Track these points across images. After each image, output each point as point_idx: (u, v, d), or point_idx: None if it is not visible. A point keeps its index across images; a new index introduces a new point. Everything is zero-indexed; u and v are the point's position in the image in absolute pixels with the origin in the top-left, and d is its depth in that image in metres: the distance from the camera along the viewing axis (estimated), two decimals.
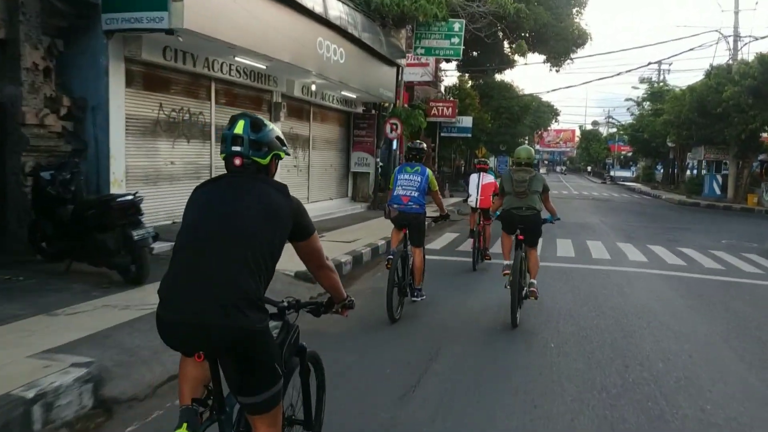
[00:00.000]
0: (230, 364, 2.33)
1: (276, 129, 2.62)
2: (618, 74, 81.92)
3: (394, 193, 6.68)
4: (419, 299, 6.87)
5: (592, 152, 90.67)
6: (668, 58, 65.67)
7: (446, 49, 19.30)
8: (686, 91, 30.23)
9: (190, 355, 2.45)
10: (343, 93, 15.93)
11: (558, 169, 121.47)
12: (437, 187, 6.96)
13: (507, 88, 37.43)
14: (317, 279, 2.84)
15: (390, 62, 17.32)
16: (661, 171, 53.07)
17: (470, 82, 34.34)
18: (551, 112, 59.20)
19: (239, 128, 2.49)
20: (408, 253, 6.75)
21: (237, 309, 2.23)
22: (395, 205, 6.61)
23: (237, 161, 2.49)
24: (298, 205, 2.57)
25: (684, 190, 36.81)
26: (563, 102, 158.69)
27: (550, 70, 40.05)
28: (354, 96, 16.36)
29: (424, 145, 7.45)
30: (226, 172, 2.55)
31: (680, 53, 35.24)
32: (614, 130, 63.96)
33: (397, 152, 25.97)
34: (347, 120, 18.08)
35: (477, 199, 10.05)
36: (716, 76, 27.32)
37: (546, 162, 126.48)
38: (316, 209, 15.09)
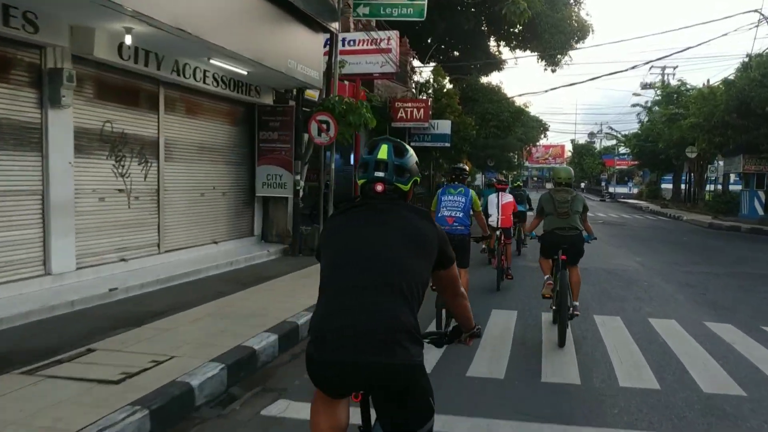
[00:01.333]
0: (388, 402, 2.25)
1: (414, 154, 2.53)
2: (632, 68, 75.81)
3: (439, 215, 6.63)
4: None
5: (585, 167, 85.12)
6: (683, 50, 59.61)
7: (402, 6, 13.00)
8: (720, 87, 24.14)
9: (345, 395, 2.27)
10: (229, 68, 9.49)
11: (548, 185, 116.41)
12: (480, 207, 6.95)
13: (494, 91, 31.39)
14: (451, 307, 2.73)
15: (314, 24, 10.98)
16: (671, 186, 47.23)
17: (449, 80, 28.05)
18: (540, 127, 54.92)
19: (383, 153, 2.42)
20: None
21: (399, 345, 2.13)
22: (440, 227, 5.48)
23: (379, 187, 2.39)
24: (442, 232, 2.48)
25: (706, 208, 30.85)
26: (552, 117, 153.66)
27: (545, 69, 34.24)
28: (245, 72, 9.88)
29: (467, 166, 8.19)
30: (361, 198, 2.44)
31: (698, 44, 29.35)
32: (612, 142, 57.86)
33: (353, 168, 19.63)
34: (247, 116, 11.60)
35: (498, 219, 10.15)
36: (760, 65, 21.26)
37: (535, 179, 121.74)
38: (174, 264, 8.71)
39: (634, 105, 41.08)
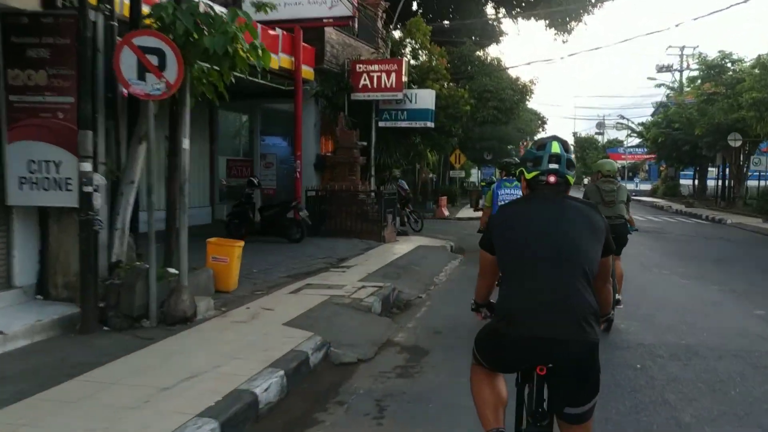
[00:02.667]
0: (569, 377, 2.44)
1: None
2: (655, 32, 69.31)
3: (497, 208, 6.22)
4: None
5: (588, 162, 79.20)
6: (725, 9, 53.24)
7: None
8: None
9: (528, 366, 2.54)
10: None
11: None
12: None
13: (493, 65, 25.35)
14: (598, 293, 2.64)
15: None
16: (690, 182, 41.33)
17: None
18: (538, 120, 50.37)
19: (556, 148, 2.63)
20: None
21: (588, 324, 2.39)
22: None
23: (552, 178, 2.61)
24: (607, 222, 2.67)
25: (748, 209, 25.04)
26: (550, 110, 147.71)
27: (555, 38, 28.37)
28: None
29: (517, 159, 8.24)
30: (531, 190, 2.69)
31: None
32: (623, 133, 51.81)
33: (298, 161, 13.62)
34: None
35: None
36: None
37: None
38: None
39: (658, 85, 34.96)
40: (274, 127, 16.77)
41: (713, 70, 25.24)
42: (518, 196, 5.95)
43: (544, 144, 2.68)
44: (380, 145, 14.82)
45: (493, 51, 27.04)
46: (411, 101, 14.52)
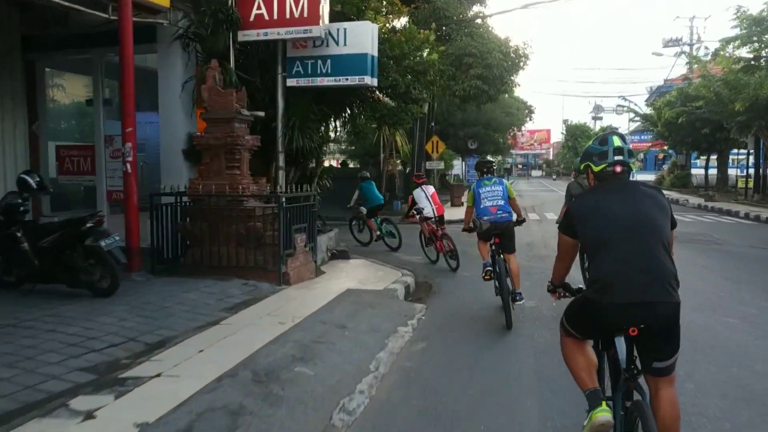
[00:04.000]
0: (656, 336, 2.86)
1: None
2: None
3: (481, 207, 6.91)
4: (521, 302, 6.82)
5: (580, 152, 73.63)
6: None
7: None
8: None
9: (624, 328, 2.88)
10: None
11: (535, 173, 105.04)
12: (515, 194, 7.17)
13: (475, 24, 19.60)
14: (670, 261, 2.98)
15: None
16: (701, 172, 35.95)
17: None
18: (525, 109, 45.72)
19: (617, 141, 3.08)
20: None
21: (672, 288, 2.81)
22: (485, 218, 6.81)
23: (619, 168, 3.05)
24: (669, 201, 3.13)
25: None
26: (538, 99, 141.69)
27: None
28: None
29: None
30: (600, 181, 3.12)
31: None
32: (623, 117, 46.19)
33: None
34: None
35: (433, 209, 10.55)
36: None
37: (520, 166, 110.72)
38: None
39: (678, 54, 29.30)
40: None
41: (759, 26, 19.54)
42: (500, 191, 6.95)
43: (606, 139, 3.12)
44: (292, 117, 8.98)
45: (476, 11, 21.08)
46: (337, 42, 8.65)
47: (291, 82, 8.96)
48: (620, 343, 3.00)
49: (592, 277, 2.95)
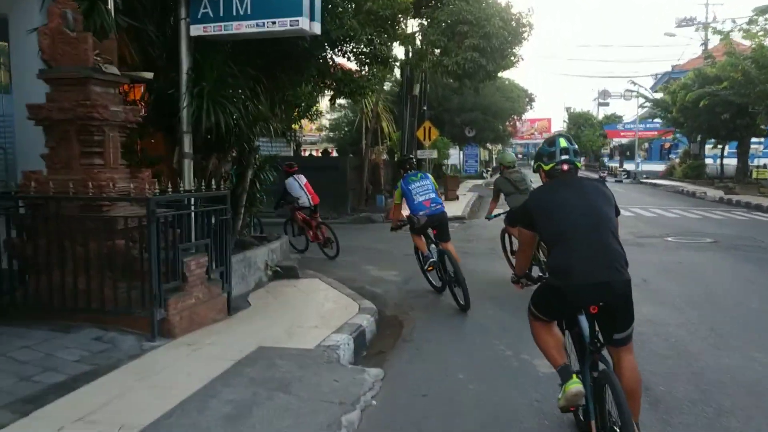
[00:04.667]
0: (614, 311, 3.16)
1: None
2: None
3: (415, 203, 7.02)
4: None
5: (584, 141, 70.77)
6: None
7: None
8: None
9: (585, 307, 3.20)
10: None
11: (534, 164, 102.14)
12: (437, 186, 7.52)
13: None
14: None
15: None
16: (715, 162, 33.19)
17: None
18: (526, 97, 43.99)
19: (564, 143, 3.43)
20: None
21: (623, 267, 3.14)
22: (421, 213, 6.95)
23: (566, 166, 3.40)
24: (611, 191, 3.46)
25: None
26: (539, 86, 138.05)
27: None
28: None
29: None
30: (551, 178, 3.47)
31: None
32: (633, 102, 43.25)
33: None
34: None
35: (309, 198, 10.23)
36: None
37: (520, 156, 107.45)
38: None
39: (698, 28, 26.30)
40: None
41: None
42: (429, 185, 7.10)
43: (553, 141, 3.47)
44: (200, 82, 6.16)
45: None
46: None
47: (196, 30, 6.13)
48: (583, 321, 3.29)
49: (554, 265, 3.26)
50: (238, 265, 6.62)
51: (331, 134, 31.82)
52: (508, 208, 7.93)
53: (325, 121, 37.03)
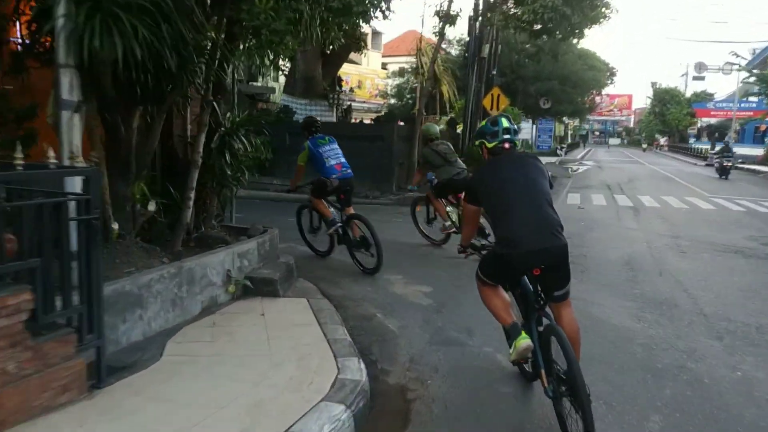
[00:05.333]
0: (554, 272, 3.43)
1: None
2: None
3: (326, 166, 6.76)
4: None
5: (669, 119, 65.03)
6: None
7: None
8: None
9: (529, 271, 3.46)
10: None
11: (613, 141, 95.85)
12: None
13: None
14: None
15: None
16: None
17: None
18: (607, 71, 42.34)
19: (506, 123, 3.68)
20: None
21: (559, 233, 3.40)
22: (333, 176, 6.74)
23: (507, 144, 3.66)
24: (544, 164, 3.75)
25: None
26: (620, 61, 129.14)
27: None
28: None
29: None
30: (493, 155, 3.71)
31: None
32: (734, 76, 38.33)
33: None
34: None
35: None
36: None
37: (597, 133, 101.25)
38: None
39: None
40: None
41: None
42: (337, 148, 6.94)
43: (496, 121, 3.70)
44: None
45: None
46: None
47: None
48: (526, 283, 3.62)
49: (500, 235, 3.51)
50: (165, 285, 4.13)
51: (392, 101, 29.08)
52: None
53: (387, 87, 34.24)
